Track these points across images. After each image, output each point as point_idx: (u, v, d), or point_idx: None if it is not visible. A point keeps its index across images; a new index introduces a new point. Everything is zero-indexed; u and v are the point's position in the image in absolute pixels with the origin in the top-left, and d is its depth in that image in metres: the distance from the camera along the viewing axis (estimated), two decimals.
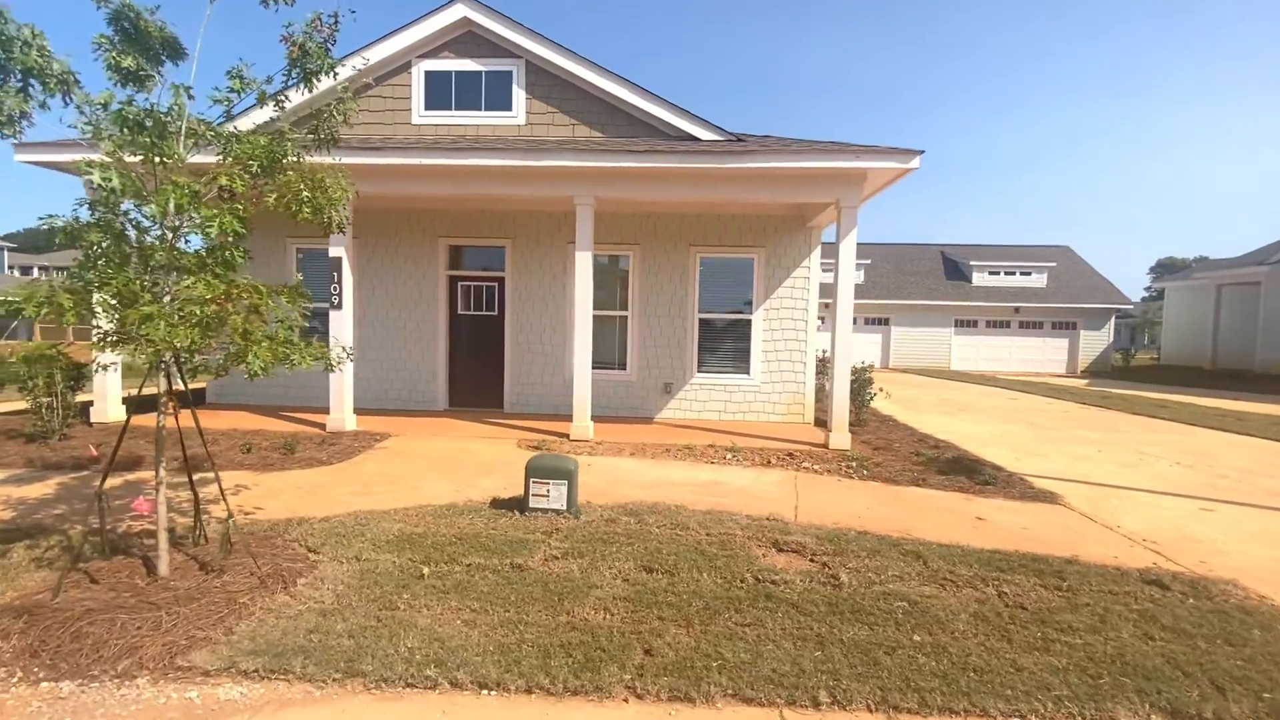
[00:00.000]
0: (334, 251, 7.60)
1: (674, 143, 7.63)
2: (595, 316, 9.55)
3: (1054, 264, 27.14)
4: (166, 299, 3.36)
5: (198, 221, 3.20)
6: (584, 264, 7.55)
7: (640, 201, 8.60)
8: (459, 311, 9.72)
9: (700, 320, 9.46)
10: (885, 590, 3.80)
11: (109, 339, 3.25)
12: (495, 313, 9.69)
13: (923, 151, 6.73)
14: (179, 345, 2.95)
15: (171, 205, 3.15)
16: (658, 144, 7.46)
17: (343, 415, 7.74)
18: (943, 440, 8.39)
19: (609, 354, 9.56)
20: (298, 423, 8.17)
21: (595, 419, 8.32)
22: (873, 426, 9.38)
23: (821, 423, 9.26)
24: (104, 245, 3.23)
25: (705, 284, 9.48)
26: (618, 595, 3.64)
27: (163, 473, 3.61)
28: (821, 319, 9.76)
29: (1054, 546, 4.61)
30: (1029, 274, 26.96)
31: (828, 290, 8.17)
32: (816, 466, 6.73)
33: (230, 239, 3.27)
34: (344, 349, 4.02)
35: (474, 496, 5.40)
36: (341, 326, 7.62)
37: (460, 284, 9.71)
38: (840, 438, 7.46)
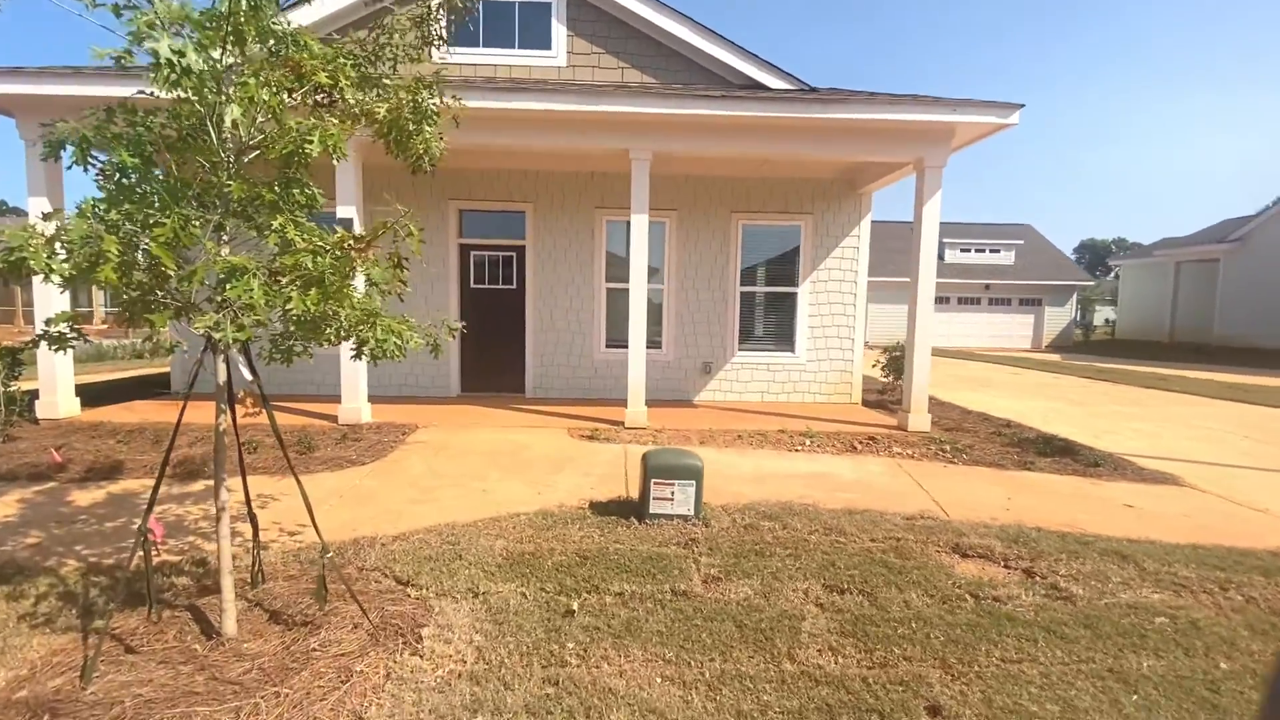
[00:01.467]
0: (343, 212, 6.42)
1: (750, 90, 6.78)
2: (625, 290, 8.68)
3: (1020, 241, 27.75)
4: (226, 249, 2.35)
5: (290, 136, 2.19)
6: (640, 229, 6.65)
7: (684, 160, 7.72)
8: (472, 285, 8.63)
9: (742, 294, 8.71)
10: (1123, 602, 3.21)
11: (156, 306, 2.21)
12: (514, 286, 8.65)
13: (1023, 105, 6.14)
14: (294, 313, 1.98)
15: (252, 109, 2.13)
16: (732, 90, 6.60)
17: (358, 405, 6.63)
18: (1004, 419, 7.99)
19: None
20: (299, 414, 6.98)
21: (613, 399, 7.51)
22: None
23: (871, 404, 8.75)
24: (145, 168, 2.19)
25: (747, 254, 8.73)
26: (830, 628, 2.91)
27: (225, 495, 2.61)
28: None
29: (1239, 537, 4.15)
30: (998, 251, 27.48)
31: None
32: (909, 451, 6.15)
33: (331, 156, 2.28)
34: (449, 326, 3.06)
35: (564, 500, 4.53)
36: None
37: (473, 254, 8.60)
38: (919, 419, 6.91)
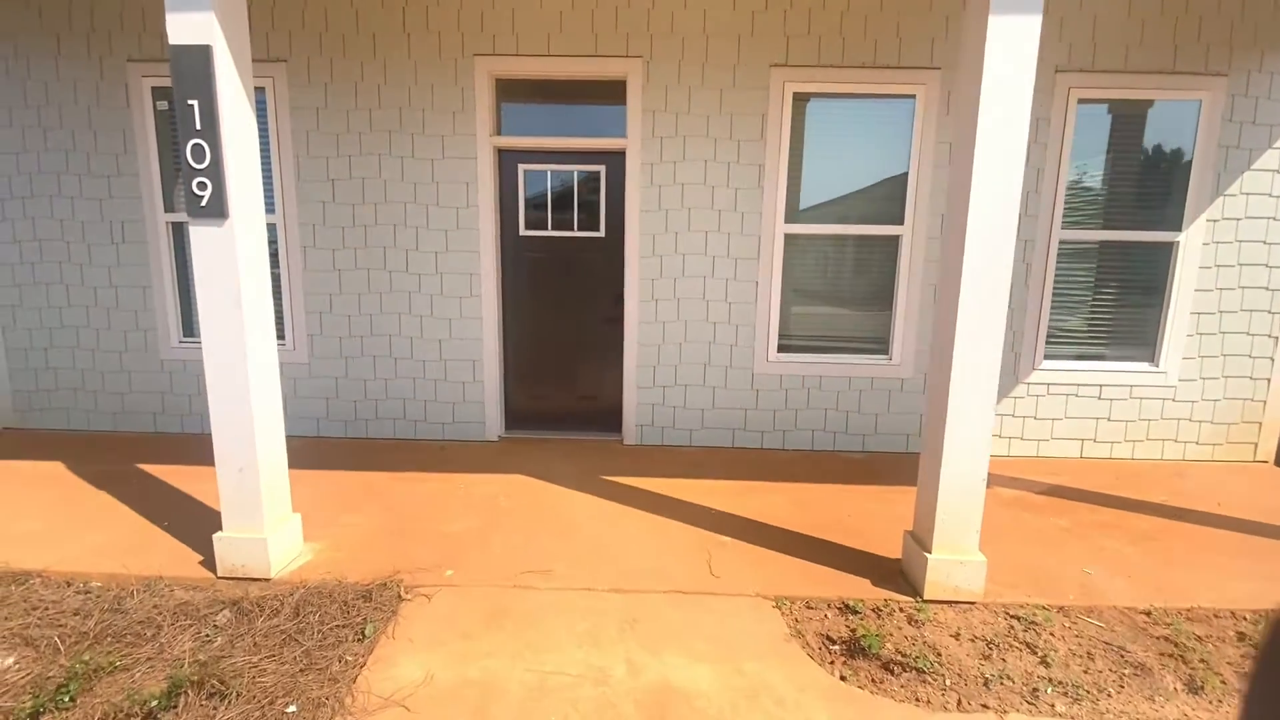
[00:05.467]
0: (180, 36, 2.33)
1: None
2: (819, 239, 4.50)
3: None
4: None
5: None
6: (1024, 37, 2.38)
7: None
8: (522, 231, 4.52)
9: (1061, 244, 4.35)
10: None
11: None
12: (600, 232, 4.50)
13: None
14: None
15: None
16: None
17: (259, 534, 2.68)
18: None
19: (841, 320, 4.53)
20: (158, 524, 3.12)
21: (792, 453, 3.48)
22: None
23: None
24: None
25: (1076, 159, 4.32)
26: None
27: None
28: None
29: None
30: None
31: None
32: None
33: None
34: None
35: None
36: (225, 262, 2.48)
37: (524, 169, 4.44)
38: None
